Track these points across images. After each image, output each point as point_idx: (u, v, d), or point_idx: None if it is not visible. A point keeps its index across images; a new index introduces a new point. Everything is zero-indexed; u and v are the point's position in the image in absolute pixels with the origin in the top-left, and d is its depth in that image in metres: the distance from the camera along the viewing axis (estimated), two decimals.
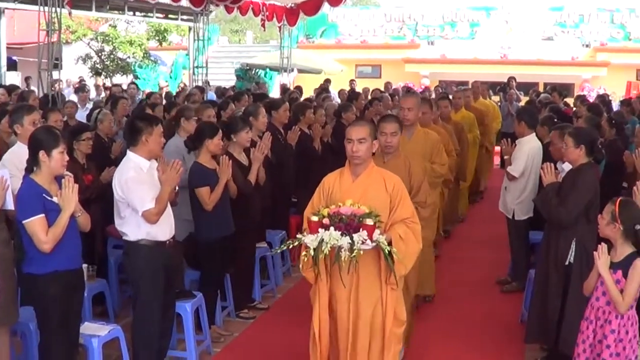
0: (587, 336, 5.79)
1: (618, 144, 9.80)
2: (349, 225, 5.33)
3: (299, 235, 5.57)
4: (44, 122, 8.29)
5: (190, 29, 26.85)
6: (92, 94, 21.55)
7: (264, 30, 29.82)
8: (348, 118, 11.87)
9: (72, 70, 31.09)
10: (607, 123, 10.30)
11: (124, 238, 6.49)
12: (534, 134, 9.62)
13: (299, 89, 19.60)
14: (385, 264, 5.50)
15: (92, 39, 34.49)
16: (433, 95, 17.24)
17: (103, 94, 21.25)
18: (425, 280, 8.35)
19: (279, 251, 6.59)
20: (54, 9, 17.16)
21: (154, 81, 29.19)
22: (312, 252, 5.37)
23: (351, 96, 16.26)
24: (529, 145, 9.41)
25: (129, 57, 33.42)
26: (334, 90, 21.55)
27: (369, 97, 16.57)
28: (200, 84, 23.30)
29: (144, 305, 6.50)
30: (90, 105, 15.28)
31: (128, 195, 6.24)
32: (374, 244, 5.33)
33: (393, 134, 7.03)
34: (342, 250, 5.27)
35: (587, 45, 31.67)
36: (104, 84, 27.71)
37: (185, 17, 25.80)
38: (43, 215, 5.60)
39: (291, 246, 5.65)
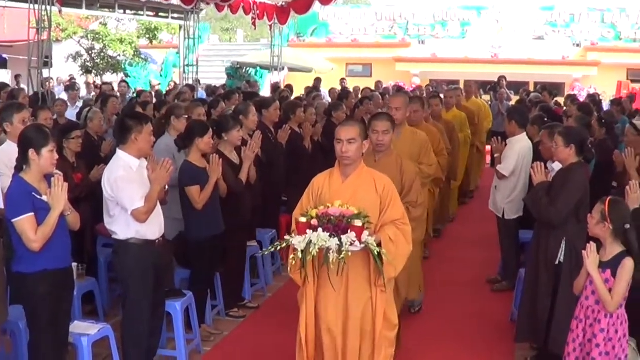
0: (577, 335, 5.80)
1: (608, 144, 9.81)
2: (337, 226, 5.26)
3: (287, 237, 5.51)
4: (34, 120, 8.28)
5: (180, 27, 26.77)
6: (83, 92, 21.50)
7: (255, 28, 29.78)
8: (338, 117, 11.86)
9: (63, 68, 31.01)
10: (597, 122, 10.32)
11: (113, 237, 6.47)
12: (525, 133, 9.63)
13: (289, 87, 19.60)
14: (375, 265, 5.45)
15: (82, 37, 34.38)
16: (425, 94, 17.23)
17: (94, 93, 21.19)
18: (412, 283, 8.27)
19: (266, 253, 6.55)
20: (44, 7, 17.11)
21: (144, 79, 29.16)
22: (300, 254, 5.30)
23: (342, 95, 16.24)
24: (520, 145, 9.41)
25: (119, 55, 33.33)
26: (324, 89, 21.53)
27: (360, 96, 16.55)
28: (190, 82, 23.27)
29: (133, 304, 6.49)
30: (80, 104, 15.24)
31: (117, 194, 6.22)
32: (362, 245, 5.27)
33: (385, 132, 7.02)
34: (331, 251, 5.20)
35: (577, 45, 31.79)
36: (94, 82, 27.65)
37: (175, 15, 25.72)
38: (32, 213, 5.58)
39: (279, 248, 5.59)
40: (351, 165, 5.72)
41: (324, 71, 28.71)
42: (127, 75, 30.05)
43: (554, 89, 19.96)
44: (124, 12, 24.82)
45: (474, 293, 9.62)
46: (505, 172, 9.33)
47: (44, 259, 5.68)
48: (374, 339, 5.63)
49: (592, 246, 5.57)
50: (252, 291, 9.24)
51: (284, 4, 24.94)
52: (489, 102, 19.67)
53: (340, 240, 5.20)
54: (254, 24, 25.32)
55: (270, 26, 26.89)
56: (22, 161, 5.73)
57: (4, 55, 31.80)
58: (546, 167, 7.46)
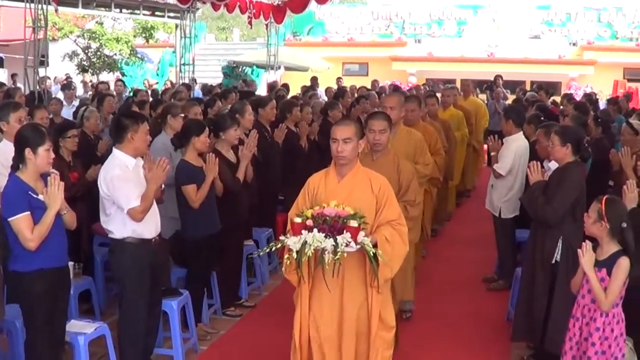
0: (574, 333, 5.80)
1: (604, 143, 9.83)
2: (332, 226, 5.20)
3: (281, 237, 5.46)
4: (30, 119, 8.27)
5: (177, 26, 26.77)
6: (80, 91, 21.49)
7: (251, 27, 29.77)
8: (334, 116, 11.86)
9: (59, 67, 30.99)
10: (593, 122, 10.35)
11: (109, 236, 6.46)
12: (522, 132, 9.63)
13: (285, 86, 19.60)
14: (370, 266, 5.39)
15: (78, 36, 34.36)
16: (423, 92, 17.22)
17: (90, 92, 21.17)
18: (407, 284, 8.19)
19: (261, 254, 6.52)
20: (40, 6, 17.12)
21: (140, 78, 29.13)
22: (295, 255, 5.25)
23: (337, 94, 16.24)
24: (517, 144, 9.41)
25: (115, 54, 33.33)
26: (320, 88, 21.53)
27: (356, 95, 16.54)
28: (186, 81, 23.26)
29: (130, 303, 6.48)
30: (76, 103, 15.24)
31: (113, 193, 6.22)
32: (358, 246, 5.21)
33: (382, 131, 6.91)
34: (326, 252, 5.14)
35: (574, 44, 31.84)
36: (91, 81, 27.64)
37: (172, 14, 25.72)
38: (29, 213, 5.58)
39: (274, 249, 5.51)
40: (347, 165, 5.66)
41: (320, 70, 28.73)
42: (123, 74, 30.02)
43: (550, 88, 19.95)
44: (120, 11, 24.85)
45: (471, 292, 9.62)
46: (502, 171, 9.32)
47: (40, 258, 5.68)
48: (370, 340, 5.58)
49: (587, 244, 5.57)
50: (249, 290, 9.24)
51: (280, 3, 24.95)
52: (486, 101, 19.68)
53: (335, 241, 5.14)
54: (250, 23, 25.33)
55: (267, 25, 26.89)
56: (19, 160, 5.72)
57: (0, 54, 31.77)
58: (542, 166, 7.46)
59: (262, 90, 24.00)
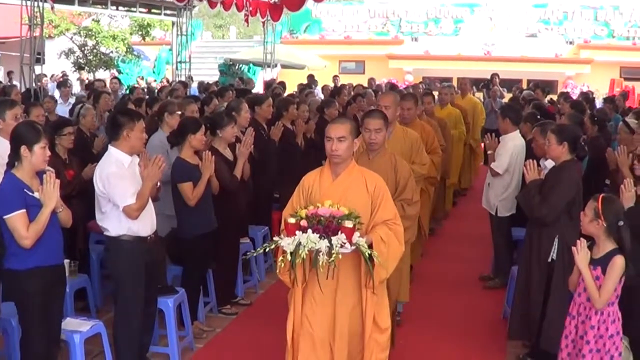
0: (570, 331, 5.81)
1: (601, 141, 9.82)
2: (327, 227, 5.11)
3: (275, 238, 5.41)
4: (26, 116, 8.25)
5: (173, 24, 26.79)
6: (76, 88, 21.47)
7: (248, 25, 29.79)
8: (331, 114, 11.85)
9: (55, 65, 30.99)
10: (589, 120, 10.33)
11: (105, 233, 6.46)
12: (518, 130, 9.62)
13: (282, 84, 19.60)
14: (365, 267, 5.32)
15: (75, 34, 34.37)
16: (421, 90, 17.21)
17: (83, 90, 21.16)
18: (403, 284, 8.13)
19: (255, 254, 6.50)
20: (36, 3, 17.10)
21: (136, 76, 29.11)
22: (289, 256, 5.17)
23: (334, 92, 16.22)
24: (513, 143, 9.41)
25: (111, 51, 33.32)
26: (317, 87, 21.52)
27: (352, 93, 16.53)
28: (183, 79, 23.26)
29: (125, 300, 6.48)
30: (72, 100, 15.21)
31: (109, 191, 6.21)
32: (353, 247, 5.13)
33: (377, 130, 6.79)
34: (320, 254, 5.06)
35: (570, 43, 31.84)
36: (87, 78, 27.62)
37: (168, 12, 25.72)
38: (24, 210, 5.57)
39: (267, 249, 5.47)
40: (341, 164, 5.60)
41: (317, 68, 28.71)
42: (119, 72, 30.03)
43: (547, 86, 20.00)
44: (117, 9, 24.78)
45: (467, 290, 9.61)
46: (499, 169, 9.32)
47: (35, 255, 5.67)
48: (364, 342, 5.52)
49: (582, 242, 5.57)
50: (245, 288, 9.23)
51: (277, 0, 24.93)
52: (482, 100, 19.68)
53: (330, 241, 5.06)
54: (246, 20, 25.28)
55: (263, 23, 26.89)
56: (14, 158, 5.71)
57: None
58: (539, 165, 7.46)
59: (258, 88, 23.99)
